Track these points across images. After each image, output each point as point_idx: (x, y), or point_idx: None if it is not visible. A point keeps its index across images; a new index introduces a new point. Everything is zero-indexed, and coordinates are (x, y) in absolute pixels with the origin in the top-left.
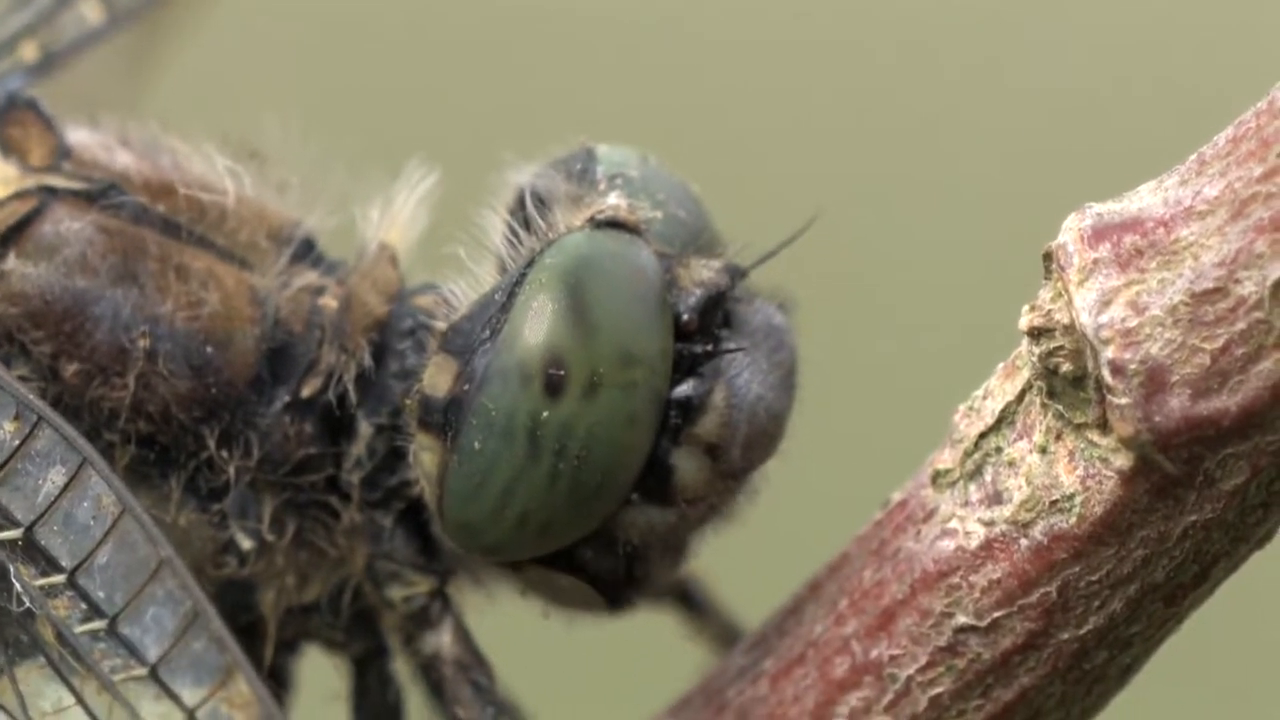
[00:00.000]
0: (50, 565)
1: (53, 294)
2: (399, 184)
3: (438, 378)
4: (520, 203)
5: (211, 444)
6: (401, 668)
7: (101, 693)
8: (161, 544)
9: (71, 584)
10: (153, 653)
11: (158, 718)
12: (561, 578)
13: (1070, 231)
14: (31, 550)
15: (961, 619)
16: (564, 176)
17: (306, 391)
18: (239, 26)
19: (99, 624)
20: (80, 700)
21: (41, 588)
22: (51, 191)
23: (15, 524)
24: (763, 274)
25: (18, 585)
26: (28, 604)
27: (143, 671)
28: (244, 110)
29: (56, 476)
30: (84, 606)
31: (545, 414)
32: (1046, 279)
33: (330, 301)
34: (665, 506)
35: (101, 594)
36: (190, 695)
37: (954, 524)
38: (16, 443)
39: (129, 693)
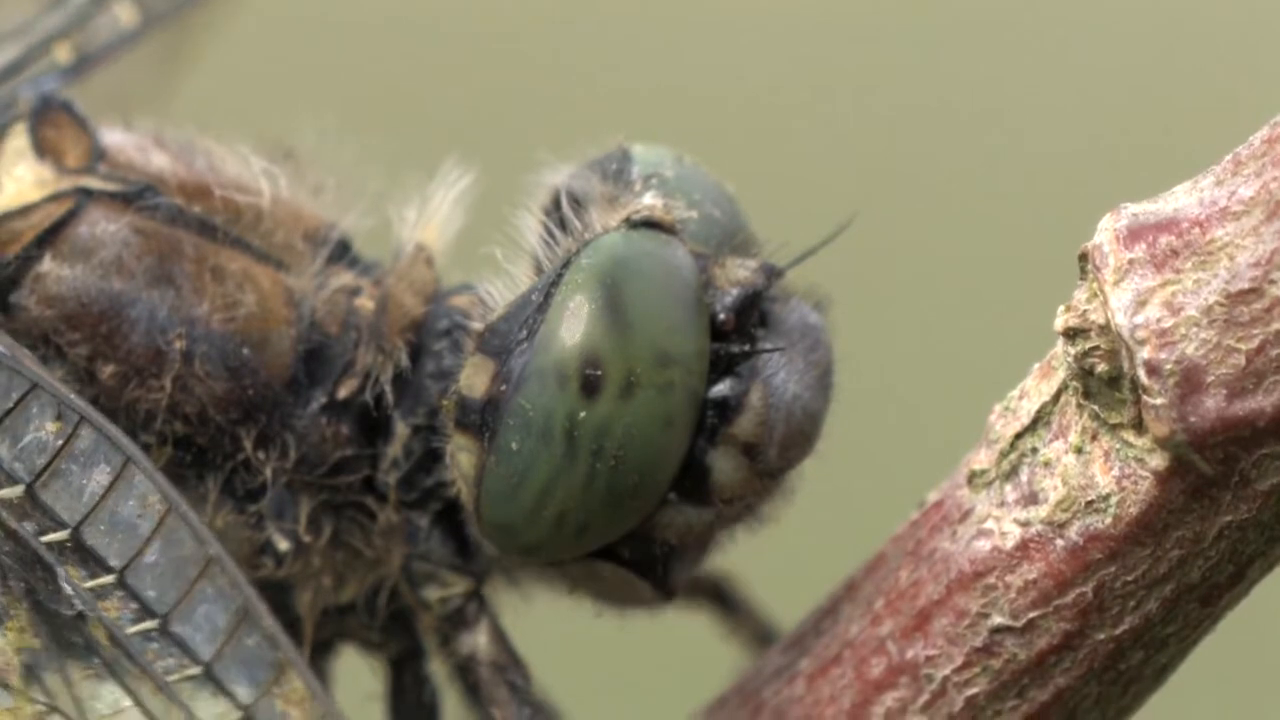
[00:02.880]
0: (99, 566)
1: (89, 296)
2: (435, 184)
3: (474, 378)
4: (556, 203)
5: (248, 445)
6: (437, 668)
7: (157, 693)
8: (209, 540)
9: (121, 584)
10: (206, 651)
11: (214, 717)
12: (605, 568)
13: (1106, 232)
14: (80, 551)
15: (997, 619)
16: (599, 177)
17: (343, 392)
18: (274, 27)
19: (151, 624)
20: (137, 701)
21: (91, 589)
22: (87, 193)
23: (62, 525)
24: (798, 274)
25: (68, 588)
26: (79, 606)
27: (197, 670)
28: (279, 111)
29: (101, 476)
30: (135, 606)
31: (582, 414)
32: (1082, 279)
33: (366, 302)
34: (702, 506)
35: (152, 593)
36: (245, 693)
37: (990, 524)
38: (60, 443)
39: (184, 692)
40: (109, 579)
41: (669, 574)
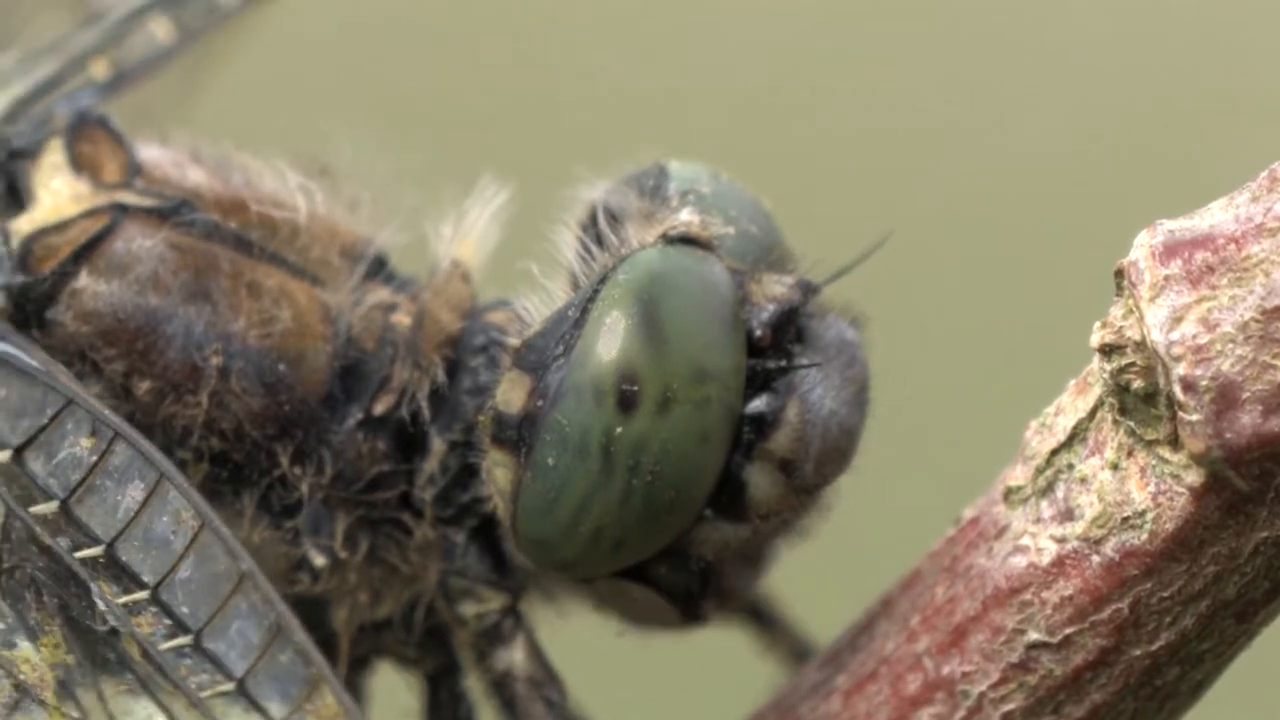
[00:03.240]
0: (133, 582)
1: (125, 312)
2: (471, 200)
3: (511, 394)
4: (593, 219)
5: (284, 461)
6: (474, 684)
7: (190, 709)
8: (242, 557)
9: (155, 600)
10: (239, 667)
11: None
12: (635, 589)
13: (1142, 248)
14: (113, 567)
15: (1033, 635)
16: (636, 192)
17: (379, 408)
18: (309, 42)
19: (184, 640)
20: (170, 717)
21: (125, 605)
22: (123, 209)
23: (96, 541)
24: (835, 290)
25: (101, 604)
26: (112, 622)
27: (230, 686)
28: (315, 126)
29: (135, 492)
30: (168, 622)
31: (619, 430)
32: (1118, 296)
33: (403, 318)
34: (738, 522)
35: (185, 609)
36: (278, 709)
37: (1026, 540)
38: (94, 459)
39: (217, 708)
40: (142, 595)
41: (704, 593)
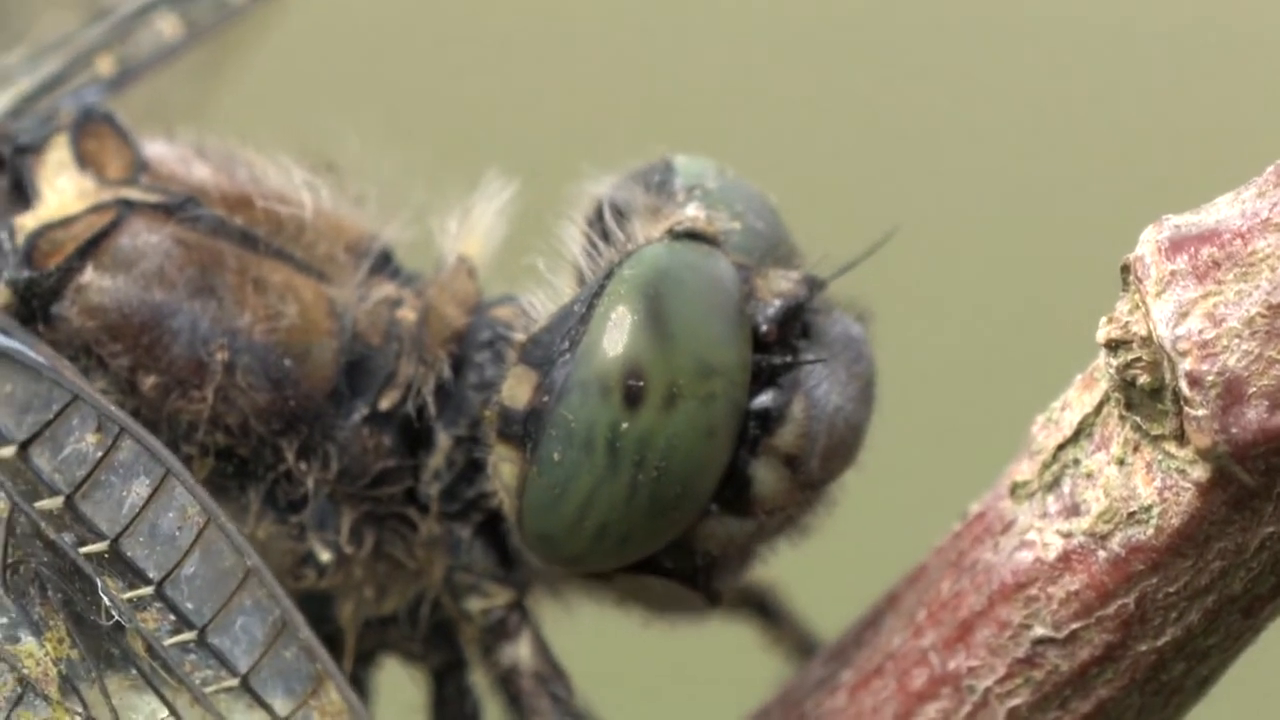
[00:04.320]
0: (137, 577)
1: (130, 307)
2: (477, 195)
3: (517, 389)
4: (599, 214)
5: (290, 456)
6: (480, 679)
7: (194, 705)
8: (248, 553)
9: (159, 595)
10: (243, 663)
11: None
12: (654, 582)
13: (1148, 243)
14: (118, 563)
15: (1039, 630)
16: (642, 188)
17: (385, 404)
18: (316, 38)
19: (189, 635)
20: (174, 712)
21: (129, 600)
22: (129, 204)
23: (101, 536)
24: (841, 285)
25: (105, 599)
26: (116, 617)
27: (234, 682)
28: (321, 122)
29: (140, 488)
30: (173, 618)
31: (624, 425)
32: (1124, 291)
33: (408, 314)
34: (744, 517)
35: (190, 605)
36: (282, 705)
37: (1032, 535)
38: (100, 454)
39: (221, 704)
40: (147, 590)
41: (710, 582)
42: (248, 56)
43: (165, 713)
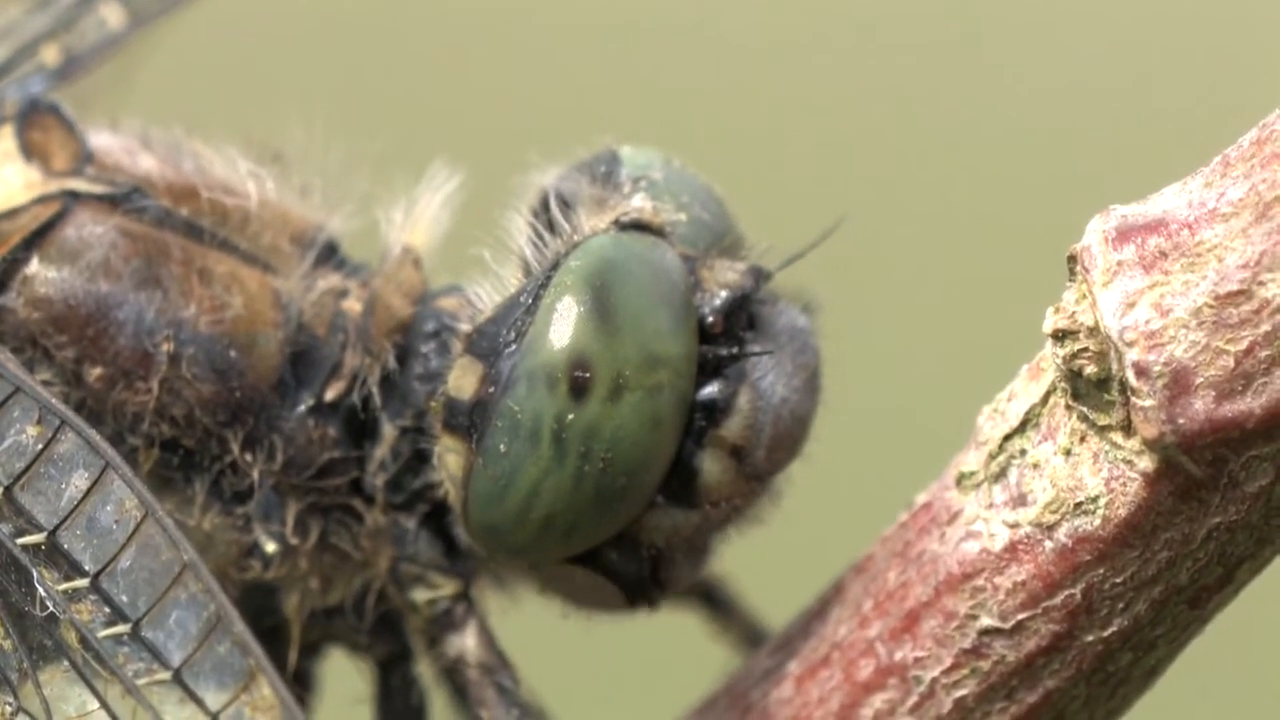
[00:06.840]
0: (73, 569)
1: (76, 298)
2: (422, 186)
3: (463, 380)
4: (545, 205)
5: (235, 448)
6: (425, 670)
7: (125, 697)
8: (184, 547)
9: (95, 588)
10: (176, 656)
11: None
12: (580, 574)
13: (1094, 233)
14: (54, 554)
15: (986, 621)
16: (588, 178)
17: (330, 395)
18: (261, 28)
19: (122, 628)
20: (104, 704)
21: (64, 592)
22: (74, 195)
23: (39, 528)
24: (787, 276)
25: (41, 590)
26: (51, 608)
27: (166, 675)
28: (267, 113)
29: (79, 481)
30: (107, 610)
31: (570, 416)
32: (1071, 281)
33: (354, 304)
34: (690, 508)
35: (125, 598)
36: (214, 699)
37: (978, 526)
38: (40, 447)
39: (153, 697)
40: (83, 583)
41: (654, 579)
42: (163, 45)
43: (96, 704)
